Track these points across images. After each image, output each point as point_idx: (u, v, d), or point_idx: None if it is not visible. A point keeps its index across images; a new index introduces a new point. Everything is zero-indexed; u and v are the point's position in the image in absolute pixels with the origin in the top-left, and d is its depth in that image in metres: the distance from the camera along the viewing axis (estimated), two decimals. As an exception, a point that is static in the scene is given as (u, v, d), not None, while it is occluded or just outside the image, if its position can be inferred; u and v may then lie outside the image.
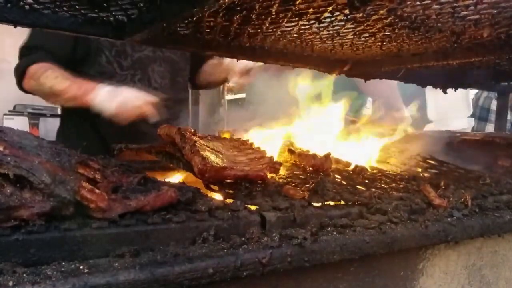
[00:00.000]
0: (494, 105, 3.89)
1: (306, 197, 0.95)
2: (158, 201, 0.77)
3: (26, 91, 1.86)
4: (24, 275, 0.58)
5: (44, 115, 4.25)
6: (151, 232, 0.71)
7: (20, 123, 4.03)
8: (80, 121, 1.89)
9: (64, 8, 1.01)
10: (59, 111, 4.48)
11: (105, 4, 0.98)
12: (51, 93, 1.72)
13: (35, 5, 0.99)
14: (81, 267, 0.62)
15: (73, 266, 0.62)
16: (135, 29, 1.08)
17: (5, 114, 4.15)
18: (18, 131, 0.83)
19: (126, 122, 1.61)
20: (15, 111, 4.29)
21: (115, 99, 1.61)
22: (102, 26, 1.10)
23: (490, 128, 3.92)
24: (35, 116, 4.23)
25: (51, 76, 1.70)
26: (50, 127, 4.20)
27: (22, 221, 0.64)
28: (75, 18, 1.07)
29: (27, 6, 1.00)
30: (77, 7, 1.00)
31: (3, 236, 0.61)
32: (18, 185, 0.66)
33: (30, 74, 1.74)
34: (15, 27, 1.04)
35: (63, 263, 0.62)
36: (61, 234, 0.65)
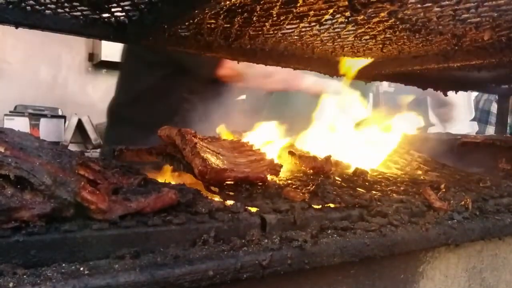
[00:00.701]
0: (494, 107, 3.90)
1: (306, 199, 0.95)
2: (158, 203, 0.77)
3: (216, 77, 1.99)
4: (25, 276, 0.57)
5: (45, 116, 4.25)
6: (151, 234, 0.71)
7: (20, 124, 4.02)
8: None
9: (65, 9, 1.01)
10: (60, 112, 4.49)
11: (106, 6, 0.99)
12: (262, 75, 1.88)
13: (37, 6, 1.00)
14: (81, 269, 0.62)
15: (73, 267, 0.62)
16: (136, 30, 1.09)
17: (5, 115, 4.14)
18: (19, 132, 0.83)
19: None
20: (16, 111, 4.29)
21: (319, 88, 1.93)
22: (104, 27, 1.11)
23: (490, 130, 3.93)
24: (35, 117, 4.23)
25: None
26: (51, 128, 4.20)
27: (22, 222, 0.64)
28: (76, 19, 1.08)
29: (28, 7, 1.00)
30: (78, 8, 1.01)
31: (3, 238, 0.61)
32: (18, 186, 0.66)
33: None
34: (16, 28, 1.04)
35: (64, 265, 0.62)
36: (61, 235, 0.65)
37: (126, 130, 1.99)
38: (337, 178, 1.21)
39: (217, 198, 0.95)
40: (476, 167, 1.59)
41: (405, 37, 1.10)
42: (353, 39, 1.15)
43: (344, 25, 1.03)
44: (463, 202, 1.10)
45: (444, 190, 1.18)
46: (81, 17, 1.07)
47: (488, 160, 1.61)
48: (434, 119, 2.89)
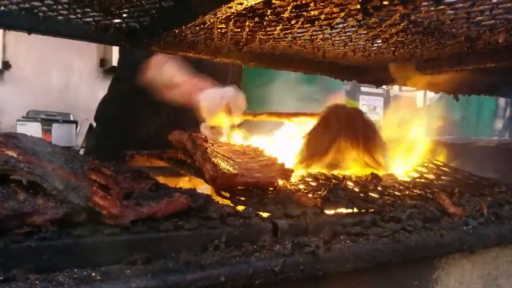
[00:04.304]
0: (501, 101, 4.00)
1: (318, 205, 0.94)
2: (170, 208, 0.76)
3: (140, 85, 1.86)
4: (37, 281, 0.57)
5: (57, 121, 4.30)
6: (163, 239, 0.71)
7: (33, 129, 4.07)
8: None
9: (77, 15, 1.02)
10: (71, 118, 4.55)
11: (117, 12, 0.99)
12: (171, 84, 1.74)
13: (49, 13, 1.01)
14: (93, 274, 0.61)
15: (85, 273, 0.62)
16: (147, 36, 1.09)
17: (18, 120, 4.20)
18: (31, 138, 0.83)
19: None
20: (28, 117, 4.34)
21: (216, 106, 1.64)
22: (115, 33, 1.11)
23: (498, 122, 4.02)
24: (48, 122, 4.28)
25: (174, 67, 1.74)
26: (62, 133, 4.25)
27: (35, 227, 0.64)
28: (88, 25, 1.08)
29: (41, 14, 1.01)
30: (90, 14, 1.02)
31: (16, 243, 0.61)
32: (31, 191, 0.66)
33: (154, 63, 1.77)
34: (29, 34, 1.06)
35: (76, 270, 0.62)
36: (73, 240, 0.65)
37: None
38: (349, 182, 1.20)
39: (228, 203, 0.95)
40: (490, 171, 1.56)
41: (417, 40, 1.09)
42: (364, 42, 1.15)
43: (355, 29, 1.03)
44: (478, 208, 1.08)
45: (458, 195, 1.17)
46: (93, 23, 1.07)
47: (503, 164, 1.59)
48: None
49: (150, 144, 1.57)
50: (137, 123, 1.84)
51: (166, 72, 1.74)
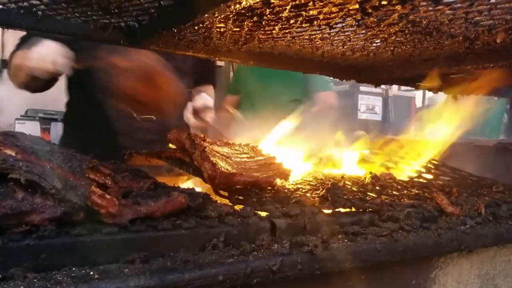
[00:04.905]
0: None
1: (316, 204, 0.94)
2: (168, 207, 0.76)
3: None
4: (35, 280, 0.57)
5: (55, 120, 4.28)
6: (161, 238, 0.71)
7: (31, 128, 4.07)
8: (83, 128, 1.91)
9: (76, 14, 1.02)
10: (70, 117, 4.51)
11: (116, 11, 0.99)
12: (16, 70, 1.68)
13: (48, 11, 1.01)
14: (91, 273, 0.61)
15: (83, 271, 0.62)
16: (146, 35, 1.09)
17: (16, 119, 4.19)
18: (29, 136, 0.83)
19: (44, 76, 1.56)
20: (27, 116, 4.33)
21: (34, 54, 1.53)
22: (114, 32, 1.11)
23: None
24: (46, 121, 4.27)
25: (18, 55, 1.67)
26: (61, 132, 4.24)
27: (33, 226, 0.64)
28: (87, 24, 1.08)
29: (39, 12, 1.01)
30: (89, 13, 1.01)
31: (14, 241, 0.62)
32: (29, 190, 0.66)
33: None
34: (27, 33, 1.05)
35: (74, 269, 0.62)
36: (71, 239, 0.65)
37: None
38: (347, 182, 1.20)
39: (226, 203, 0.95)
40: (488, 172, 1.57)
41: (416, 40, 1.09)
42: (363, 42, 1.15)
43: (354, 28, 1.03)
44: (475, 207, 1.09)
45: (456, 194, 1.17)
46: (92, 22, 1.07)
47: (501, 164, 1.59)
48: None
49: (113, 145, 1.57)
50: (92, 125, 1.84)
51: (12, 62, 1.71)
